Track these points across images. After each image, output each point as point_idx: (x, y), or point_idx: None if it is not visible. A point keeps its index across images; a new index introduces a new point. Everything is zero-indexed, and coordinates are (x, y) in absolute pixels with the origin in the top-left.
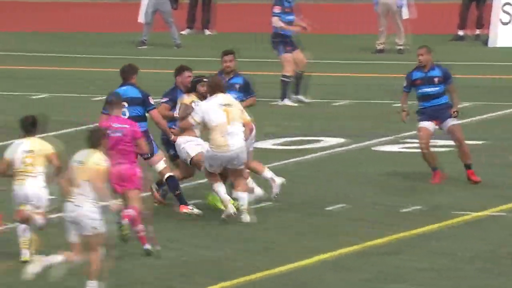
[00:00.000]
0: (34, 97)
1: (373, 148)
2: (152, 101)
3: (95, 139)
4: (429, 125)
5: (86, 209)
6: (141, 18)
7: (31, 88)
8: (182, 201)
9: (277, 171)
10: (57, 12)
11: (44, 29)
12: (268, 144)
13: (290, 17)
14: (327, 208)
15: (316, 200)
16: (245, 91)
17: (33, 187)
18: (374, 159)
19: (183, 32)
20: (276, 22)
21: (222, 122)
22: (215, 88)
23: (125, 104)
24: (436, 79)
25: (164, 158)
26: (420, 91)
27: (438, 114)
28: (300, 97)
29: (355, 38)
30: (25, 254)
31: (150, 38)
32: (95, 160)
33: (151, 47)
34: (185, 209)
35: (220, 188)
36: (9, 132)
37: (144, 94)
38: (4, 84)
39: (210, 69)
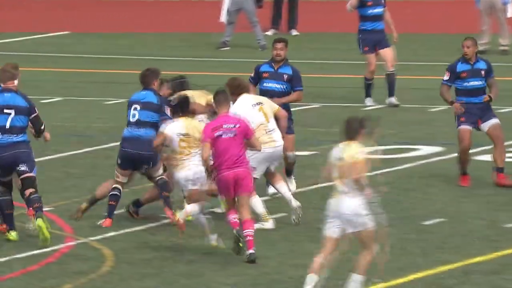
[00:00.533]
0: (108, 102)
1: (473, 158)
2: (168, 112)
3: (352, 131)
4: (470, 128)
5: (352, 205)
6: (223, 18)
7: (107, 93)
8: (168, 205)
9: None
10: (128, 12)
11: (118, 30)
12: None
13: (373, 11)
14: (424, 223)
15: (411, 214)
16: (292, 82)
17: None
18: (475, 169)
19: (267, 33)
20: (348, 5)
21: (262, 121)
22: (239, 89)
23: (138, 106)
24: (482, 72)
25: (161, 166)
26: (466, 84)
27: (482, 113)
28: (392, 99)
29: (454, 37)
30: (212, 239)
31: (233, 39)
32: (352, 154)
33: (234, 49)
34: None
35: (259, 200)
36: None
37: (162, 102)
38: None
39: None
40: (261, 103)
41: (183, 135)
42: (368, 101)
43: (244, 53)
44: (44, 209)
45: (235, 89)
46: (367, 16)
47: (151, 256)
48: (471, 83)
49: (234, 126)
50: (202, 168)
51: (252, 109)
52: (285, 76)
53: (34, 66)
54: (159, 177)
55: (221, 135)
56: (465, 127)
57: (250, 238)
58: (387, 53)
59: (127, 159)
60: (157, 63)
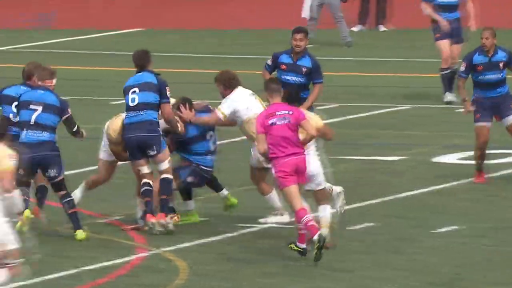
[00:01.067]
0: None
1: None
2: (169, 93)
3: None
4: (487, 124)
5: None
6: (305, 13)
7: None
8: (164, 209)
9: (463, 190)
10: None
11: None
12: (453, 158)
13: (444, 0)
14: None
15: (510, 225)
16: (312, 75)
17: (311, 164)
18: None
19: (353, 29)
20: (423, 8)
21: (261, 109)
22: (235, 81)
23: (136, 90)
24: (501, 64)
25: (169, 158)
26: (481, 77)
27: (500, 107)
28: (448, 94)
29: None
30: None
31: (316, 35)
32: None
33: (316, 46)
34: (160, 219)
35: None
36: None
37: (162, 82)
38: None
39: (383, 71)
40: (255, 94)
41: None
42: (449, 96)
43: (328, 51)
44: (113, 218)
45: (229, 82)
46: (439, 5)
47: (227, 268)
48: (487, 77)
49: (288, 113)
50: (319, 166)
51: (251, 98)
52: (304, 70)
53: (107, 65)
54: (164, 175)
55: (275, 122)
56: (482, 124)
57: (303, 231)
58: (454, 49)
59: (133, 147)
60: (231, 61)
